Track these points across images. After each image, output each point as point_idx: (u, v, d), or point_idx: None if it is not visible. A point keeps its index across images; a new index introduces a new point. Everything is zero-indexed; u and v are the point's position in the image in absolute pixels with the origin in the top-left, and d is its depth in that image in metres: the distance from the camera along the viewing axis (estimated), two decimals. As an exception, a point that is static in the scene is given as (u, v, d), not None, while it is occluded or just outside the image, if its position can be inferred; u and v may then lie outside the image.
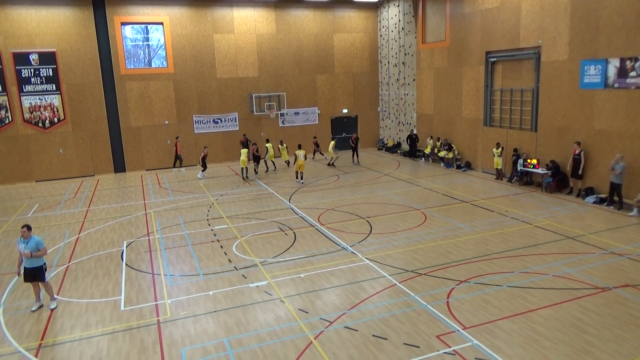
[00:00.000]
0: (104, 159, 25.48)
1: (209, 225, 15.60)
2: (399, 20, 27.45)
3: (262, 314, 9.52)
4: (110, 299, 10.46)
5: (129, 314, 9.76)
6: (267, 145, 24.61)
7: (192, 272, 11.82)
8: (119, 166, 25.80)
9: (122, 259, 12.83)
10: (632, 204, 14.95)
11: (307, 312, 9.52)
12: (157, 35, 25.88)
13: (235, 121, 27.54)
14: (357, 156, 25.93)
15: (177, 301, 10.24)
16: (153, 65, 26.20)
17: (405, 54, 27.52)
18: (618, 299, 9.51)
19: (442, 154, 24.26)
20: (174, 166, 25.65)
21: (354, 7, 29.14)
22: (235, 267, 11.95)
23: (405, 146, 28.33)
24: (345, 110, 30.04)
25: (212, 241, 13.99)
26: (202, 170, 23.78)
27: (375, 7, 29.63)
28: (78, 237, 14.90)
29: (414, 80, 27.15)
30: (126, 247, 13.82)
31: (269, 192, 19.81)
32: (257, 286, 10.82)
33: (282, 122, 28.62)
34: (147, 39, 26.02)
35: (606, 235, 13.22)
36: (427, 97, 26.17)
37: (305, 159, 21.29)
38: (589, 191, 16.78)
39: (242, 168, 22.54)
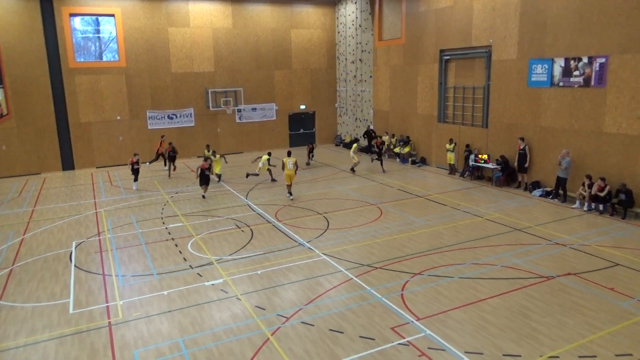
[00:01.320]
0: (51, 156, 24.42)
1: (164, 223, 15.27)
2: (356, 18, 27.67)
3: (218, 312, 9.42)
4: (58, 302, 10.06)
5: (78, 317, 9.43)
6: (263, 157, 20.98)
7: (146, 272, 11.54)
8: (68, 164, 24.81)
9: (71, 260, 12.37)
10: (575, 197, 15.72)
11: (264, 309, 9.49)
12: (108, 28, 25.00)
13: (191, 117, 27.02)
14: (311, 158, 24.36)
15: (129, 302, 9.98)
16: (104, 58, 25.30)
17: (362, 51, 27.79)
18: (561, 287, 9.99)
19: (397, 149, 24.69)
20: (165, 165, 23.93)
21: (311, 3, 29.14)
22: (190, 266, 11.76)
23: (363, 142, 28.64)
24: (303, 107, 30.05)
25: (167, 240, 13.70)
26: (164, 162, 23.70)
27: (332, 4, 29.73)
28: (23, 239, 14.24)
29: (370, 77, 27.46)
30: (75, 247, 13.33)
31: (225, 189, 19.57)
32: (212, 284, 10.69)
33: (239, 118, 28.31)
34: (98, 32, 25.10)
35: (551, 226, 13.85)
36: (383, 93, 26.53)
37: (296, 169, 17.74)
38: (536, 185, 17.53)
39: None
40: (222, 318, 9.21)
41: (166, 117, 26.43)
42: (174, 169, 22.64)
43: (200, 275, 11.17)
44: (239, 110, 28.11)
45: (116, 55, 25.11)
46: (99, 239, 13.95)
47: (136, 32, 25.05)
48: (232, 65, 27.54)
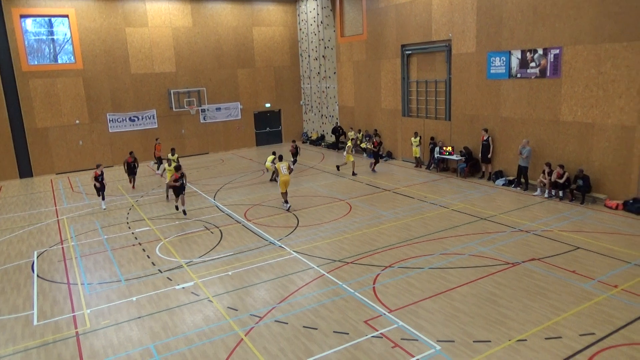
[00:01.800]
0: (7, 163, 23.46)
1: (129, 228, 14.92)
2: (318, 14, 27.68)
3: (190, 316, 9.28)
4: (20, 315, 9.69)
5: (43, 328, 9.11)
6: (269, 158, 19.69)
7: (113, 278, 11.25)
8: (25, 171, 23.89)
9: (33, 271, 11.93)
10: (536, 185, 16.24)
11: (237, 310, 9.41)
12: (62, 29, 24.15)
13: (153, 118, 26.45)
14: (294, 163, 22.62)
15: (97, 310, 9.71)
16: (60, 61, 24.44)
17: (325, 48, 27.84)
18: (526, 272, 10.32)
19: (363, 145, 24.90)
20: (158, 169, 23.58)
21: (272, 1, 28.97)
22: (159, 270, 11.54)
23: (329, 138, 28.75)
24: (268, 105, 29.88)
25: (134, 245, 13.40)
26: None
27: (293, 1, 29.64)
28: (-20, 250, 13.64)
29: (334, 73, 27.55)
30: (37, 257, 12.86)
31: (192, 191, 19.27)
32: (183, 288, 10.52)
33: (204, 119, 27.91)
34: (52, 33, 24.22)
35: (514, 214, 14.26)
36: (347, 89, 26.68)
37: (290, 173, 16.05)
38: (499, 174, 18.01)
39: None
40: (194, 321, 9.08)
41: (127, 119, 25.79)
42: (133, 187, 20.25)
43: (170, 279, 10.98)
44: (203, 111, 27.71)
45: (72, 57, 24.31)
46: (62, 247, 13.50)
47: (92, 33, 24.30)
48: (194, 64, 27.10)
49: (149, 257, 12.44)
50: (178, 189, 15.72)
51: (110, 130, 25.43)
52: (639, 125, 13.76)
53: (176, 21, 26.26)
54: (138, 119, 26.08)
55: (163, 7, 25.83)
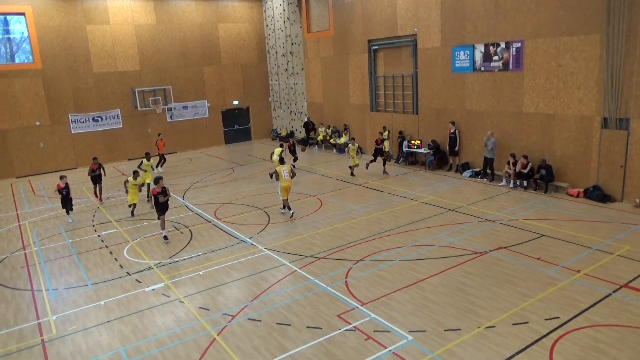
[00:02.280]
0: (-36, 168, 22.50)
1: (96, 231, 14.54)
2: (284, 10, 27.53)
3: (161, 318, 9.13)
4: (-19, 324, 9.33)
5: (6, 338, 8.79)
6: (276, 151, 19.24)
7: (79, 283, 10.95)
8: (-16, 175, 22.97)
9: (-6, 278, 11.49)
10: (501, 175, 16.63)
11: (209, 310, 9.31)
12: (19, 28, 23.25)
13: (118, 118, 25.81)
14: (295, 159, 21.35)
15: (63, 316, 9.43)
16: (17, 60, 23.54)
17: (292, 44, 27.73)
18: (494, 260, 10.56)
19: (333, 140, 24.96)
20: (157, 166, 22.84)
21: (237, -3, 28.67)
22: (127, 273, 11.29)
23: (299, 135, 28.71)
24: (235, 102, 29.58)
25: (100, 248, 13.06)
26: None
27: (258, -3, 29.41)
28: (-64, 259, 13.04)
29: (302, 69, 27.49)
30: (-2, 264, 12.39)
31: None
32: (153, 289, 10.33)
33: (170, 117, 27.41)
34: (8, 32, 23.29)
35: (481, 204, 14.58)
36: (316, 85, 26.67)
37: (293, 177, 14.64)
38: (465, 166, 18.36)
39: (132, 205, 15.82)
40: (165, 323, 8.93)
41: (91, 119, 25.09)
42: (100, 199, 17.85)
43: (139, 282, 10.76)
44: (170, 109, 27.21)
45: (30, 57, 23.45)
46: (25, 253, 13.05)
47: (51, 31, 23.50)
48: (158, 62, 26.56)
49: (116, 259, 12.15)
50: (161, 207, 13.14)
51: (72, 132, 24.68)
52: (597, 116, 14.25)
53: (139, 18, 25.66)
54: (102, 119, 25.39)
55: (125, 4, 25.19)
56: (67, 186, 15.23)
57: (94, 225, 15.08)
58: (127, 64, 25.66)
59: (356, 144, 19.41)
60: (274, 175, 14.59)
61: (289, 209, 14.57)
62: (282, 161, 15.20)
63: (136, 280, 10.84)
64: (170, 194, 14.09)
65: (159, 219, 13.42)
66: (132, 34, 25.55)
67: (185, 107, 27.77)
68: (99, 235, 14.06)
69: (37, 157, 24.04)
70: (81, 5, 24.06)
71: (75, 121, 24.67)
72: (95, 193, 17.82)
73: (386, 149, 21.52)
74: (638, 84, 13.19)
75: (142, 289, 10.40)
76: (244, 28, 29.17)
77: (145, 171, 17.30)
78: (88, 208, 17.16)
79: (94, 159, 18.00)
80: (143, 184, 16.92)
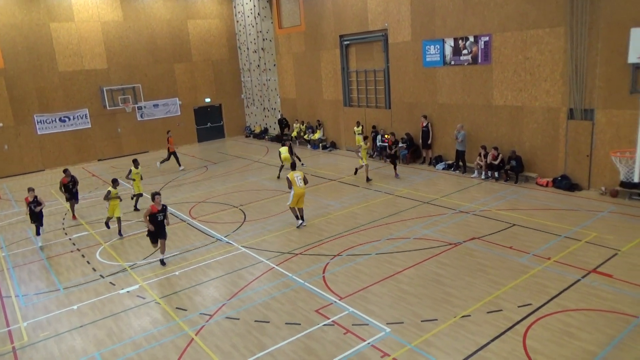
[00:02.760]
0: None
1: (66, 234, 14.19)
2: (254, 6, 27.29)
3: (137, 320, 8.99)
4: (-52, 334, 9.01)
5: (-25, 346, 8.52)
6: (283, 149, 18.59)
7: (51, 287, 10.68)
8: (-55, 180, 22.11)
9: (-40, 286, 11.10)
10: (473, 167, 16.93)
11: (186, 310, 9.21)
12: (-23, 25, 22.40)
13: (86, 118, 25.16)
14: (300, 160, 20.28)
15: (34, 322, 9.20)
16: (-24, 60, 22.69)
17: (264, 40, 27.54)
18: (467, 251, 10.77)
19: (307, 136, 24.95)
20: (179, 165, 21.91)
21: (206, -8, 28.26)
22: (101, 275, 11.07)
23: (273, 131, 28.59)
24: (207, 99, 29.22)
25: (72, 251, 12.76)
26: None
27: (228, -7, 29.07)
28: None
29: (274, 65, 27.34)
30: (-36, 271, 11.97)
31: (133, 192, 18.54)
32: (128, 292, 10.16)
33: (141, 116, 26.89)
34: (-35, 30, 22.41)
35: (455, 196, 14.82)
36: (288, 81, 26.57)
37: (306, 184, 13.23)
38: (438, 159, 18.62)
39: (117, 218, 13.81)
40: (142, 325, 8.80)
41: (57, 120, 24.39)
42: (73, 216, 15.67)
43: (113, 284, 10.56)
44: (140, 108, 26.68)
45: (-9, 56, 22.64)
46: (-8, 259, 12.64)
47: (12, 29, 22.71)
48: (127, 60, 25.99)
49: (89, 262, 11.90)
50: (160, 229, 11.14)
51: (38, 133, 23.95)
52: (563, 107, 14.64)
53: (105, 15, 25.03)
54: (69, 119, 24.71)
55: (90, 0, 24.53)
56: (35, 199, 13.01)
57: (64, 229, 14.71)
58: (94, 62, 25.03)
59: (368, 143, 17.74)
60: (281, 169, 14.16)
61: (300, 218, 13.15)
62: (293, 167, 13.84)
63: (110, 282, 10.64)
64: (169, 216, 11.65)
65: (155, 243, 11.44)
66: (98, 31, 24.92)
67: (156, 106, 27.28)
68: (70, 239, 13.73)
69: (2, 160, 23.26)
70: (44, 2, 23.32)
71: (41, 122, 23.95)
72: (71, 209, 15.63)
73: (359, 144, 21.64)
74: (601, 76, 13.60)
75: (116, 291, 10.22)
76: (214, 24, 28.80)
77: (134, 180, 15.77)
78: (57, 211, 16.72)
79: (65, 171, 15.39)
80: (138, 195, 15.98)
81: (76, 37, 24.36)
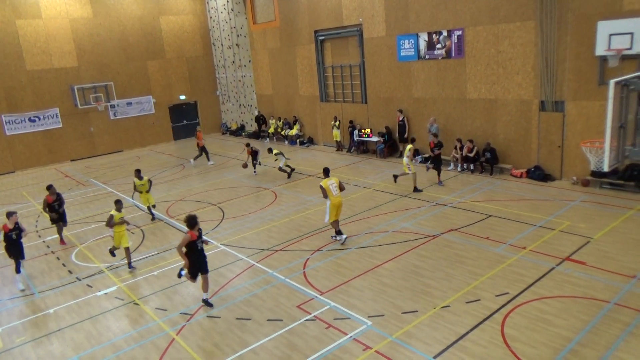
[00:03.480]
0: None
1: (40, 237, 13.86)
2: (227, 1, 27.00)
3: (115, 322, 8.86)
4: None
5: (-53, 354, 8.27)
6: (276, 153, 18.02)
7: (25, 292, 10.42)
8: None
9: None
10: (449, 160, 17.16)
11: (166, 310, 9.12)
12: (-62, 23, 21.59)
13: (57, 117, 24.54)
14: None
15: (9, 328, 8.98)
16: (-61, 59, 21.87)
17: (238, 35, 27.30)
18: (445, 242, 10.93)
19: (284, 132, 24.89)
20: (208, 159, 21.28)
21: (178, -12, 27.81)
22: (77, 278, 10.86)
23: (250, 128, 28.43)
24: (182, 97, 28.83)
25: (46, 254, 12.47)
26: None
27: (201, -12, 28.67)
28: None
29: (249, 61, 27.14)
30: None
31: (107, 192, 18.25)
32: (105, 293, 10.00)
33: (114, 115, 26.36)
34: None
35: (432, 189, 15.00)
36: (264, 77, 26.42)
37: (342, 192, 11.56)
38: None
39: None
40: (121, 327, 8.68)
41: (27, 120, 23.73)
42: (62, 241, 13.13)
43: (90, 286, 10.38)
44: (113, 106, 26.14)
45: (-46, 55, 21.86)
46: (-38, 265, 12.26)
47: (-24, 26, 21.97)
48: (98, 58, 25.43)
49: (64, 265, 11.65)
50: (200, 261, 9.03)
51: (7, 133, 23.26)
52: (535, 99, 14.95)
53: (73, 12, 24.41)
54: (39, 119, 24.07)
55: (57, -4, 23.89)
56: (17, 226, 10.52)
57: (37, 231, 14.36)
58: (63, 60, 24.41)
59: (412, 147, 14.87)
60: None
61: (340, 233, 11.40)
62: (327, 172, 11.75)
63: (87, 285, 10.45)
64: (206, 239, 9.65)
65: (192, 279, 9.08)
66: (67, 28, 24.30)
67: (129, 104, 26.78)
68: (43, 241, 13.41)
69: (-31, 162, 22.55)
70: (9, -1, 22.62)
71: (9, 122, 23.27)
72: (58, 232, 13.11)
73: (337, 139, 21.71)
74: (570, 69, 13.93)
75: (93, 293, 10.05)
76: (187, 20, 28.39)
77: (142, 192, 14.21)
78: (29, 213, 16.31)
79: (49, 187, 12.78)
80: (151, 207, 14.34)
81: (44, 34, 23.70)
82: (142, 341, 8.14)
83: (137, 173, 14.19)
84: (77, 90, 24.53)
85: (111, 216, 10.75)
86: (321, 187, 11.23)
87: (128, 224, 11.21)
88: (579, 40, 13.57)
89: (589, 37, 13.20)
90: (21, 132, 23.62)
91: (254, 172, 18.85)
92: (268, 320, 8.42)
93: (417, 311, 8.26)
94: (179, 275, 9.31)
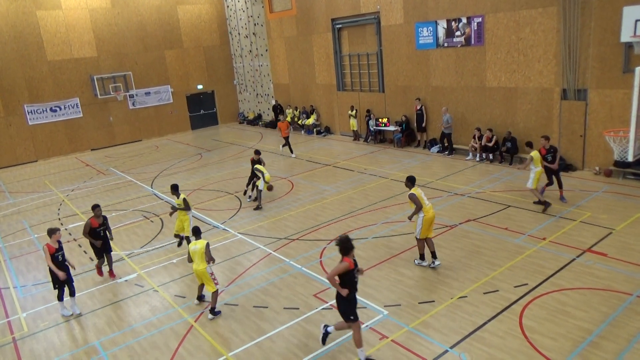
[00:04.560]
0: None
1: (62, 224, 14.14)
2: (244, -10, 26.93)
3: (135, 308, 9.02)
4: (-53, 326, 9.01)
5: (-25, 338, 8.53)
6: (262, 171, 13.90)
7: (48, 278, 10.64)
8: (-63, 172, 21.88)
9: (-43, 279, 11.07)
10: (468, 149, 16.96)
11: (184, 297, 9.25)
12: (-38, 15, 21.98)
13: (77, 107, 24.90)
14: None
15: (34, 313, 9.22)
16: (-37, 50, 22.31)
17: (255, 24, 27.24)
18: (463, 233, 10.84)
19: (301, 122, 24.86)
20: (292, 152, 19.80)
21: (195, -23, 27.82)
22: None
23: (267, 117, 28.46)
24: (200, 86, 28.97)
25: (68, 241, 12.73)
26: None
27: (218, -23, 28.63)
28: None
29: (266, 50, 27.09)
30: (-40, 264, 11.93)
31: (127, 180, 18.50)
32: (126, 280, 10.18)
33: (133, 104, 26.63)
34: (-50, 20, 21.98)
35: (450, 179, 14.87)
36: (281, 66, 26.36)
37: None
38: (433, 142, 18.63)
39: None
40: (141, 313, 8.84)
41: (48, 110, 24.13)
42: (111, 272, 10.48)
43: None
44: (131, 96, 26.41)
45: (-22, 46, 22.26)
46: (-12, 251, 12.60)
47: (-1, 17, 22.33)
48: (117, 48, 25.65)
49: (85, 252, 11.88)
50: (355, 298, 6.94)
51: (29, 123, 23.69)
52: (556, 87, 14.63)
53: (93, 2, 24.61)
54: (60, 109, 24.45)
55: (77, -13, 24.10)
56: (60, 246, 8.99)
57: (60, 219, 14.65)
58: (83, 50, 24.69)
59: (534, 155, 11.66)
60: (415, 211, 9.23)
61: (434, 255, 9.42)
62: (413, 181, 9.38)
63: (108, 272, 10.64)
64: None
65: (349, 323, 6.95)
66: (86, 18, 24.54)
67: (147, 94, 27.02)
68: (66, 229, 13.69)
69: (-6, 151, 23.07)
70: (30, -10, 22.89)
71: (31, 112, 23.68)
72: (99, 268, 10.39)
73: (354, 128, 21.58)
74: (594, 56, 13.58)
75: (114, 280, 10.23)
76: (204, 9, 28.42)
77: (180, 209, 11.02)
78: (52, 202, 16.64)
79: (95, 207, 10.16)
80: (182, 238, 11.42)
81: (64, 25, 23.98)
82: (162, 327, 8.28)
83: (174, 189, 11.21)
84: (97, 80, 24.82)
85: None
86: (413, 196, 9.14)
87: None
88: (603, 26, 13.20)
89: (613, 23, 12.83)
90: (43, 121, 24.03)
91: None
92: (285, 308, 8.49)
93: (434, 301, 8.23)
94: (325, 334, 7.25)
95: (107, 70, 25.38)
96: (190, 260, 8.54)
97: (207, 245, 8.41)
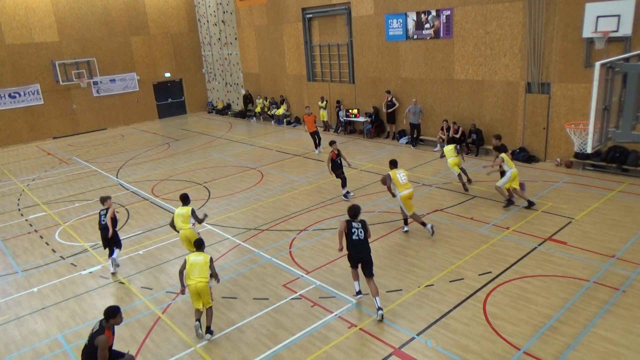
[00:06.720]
0: None
1: (22, 215, 13.67)
2: (213, -24, 26.41)
3: (101, 300, 8.84)
4: None
5: None
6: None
7: (8, 270, 10.32)
8: None
9: None
10: (435, 141, 17.22)
11: (151, 289, 9.12)
12: None
13: (38, 94, 23.99)
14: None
15: (-8, 306, 8.90)
16: None
17: (224, 12, 26.78)
18: (430, 222, 11.00)
19: (270, 112, 24.68)
20: (316, 147, 18.03)
21: (162, -38, 27.09)
22: (61, 257, 10.78)
23: (236, 107, 28.13)
24: (167, 74, 28.34)
25: (29, 232, 12.33)
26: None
27: (186, -38, 27.96)
28: None
29: (235, 39, 26.70)
30: None
31: (91, 170, 18.01)
32: (90, 272, 9.94)
33: (97, 92, 25.85)
34: None
35: (418, 170, 15.08)
36: (251, 56, 26.05)
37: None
38: (402, 133, 18.83)
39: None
40: (106, 305, 8.59)
41: (7, 96, 23.16)
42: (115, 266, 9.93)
43: (75, 265, 10.31)
44: (95, 83, 25.62)
45: None
46: (-58, 244, 12.07)
47: (-48, -2, 21.22)
48: (80, 33, 24.79)
49: (47, 244, 11.54)
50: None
51: (-13, 110, 22.73)
52: (521, 81, 15.00)
53: (54, -16, 23.68)
54: (20, 95, 23.50)
55: (37, -32, 23.12)
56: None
57: (19, 210, 14.16)
58: (44, 34, 23.76)
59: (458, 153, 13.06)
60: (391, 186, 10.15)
61: (424, 224, 10.23)
62: (392, 163, 10.55)
63: (71, 264, 10.38)
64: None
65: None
66: (47, 1, 23.58)
67: (112, 81, 26.26)
68: (26, 220, 13.24)
69: (-52, 139, 22.04)
70: (-14, -30, 21.83)
71: (-11, 98, 22.70)
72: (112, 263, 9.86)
73: (324, 119, 21.61)
74: (557, 50, 13.96)
75: (78, 272, 9.99)
76: (172, -5, 27.74)
77: (181, 229, 9.45)
78: (11, 192, 16.05)
79: (104, 200, 10.14)
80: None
81: (23, 7, 22.99)
82: (128, 319, 8.14)
83: (185, 199, 9.80)
84: (59, 65, 23.94)
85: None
86: (387, 176, 10.00)
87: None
88: (566, 21, 13.57)
89: (576, 19, 13.21)
90: (1, 108, 23.07)
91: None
92: (254, 299, 8.47)
93: (401, 290, 8.37)
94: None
95: (69, 55, 24.52)
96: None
97: (211, 260, 7.65)
